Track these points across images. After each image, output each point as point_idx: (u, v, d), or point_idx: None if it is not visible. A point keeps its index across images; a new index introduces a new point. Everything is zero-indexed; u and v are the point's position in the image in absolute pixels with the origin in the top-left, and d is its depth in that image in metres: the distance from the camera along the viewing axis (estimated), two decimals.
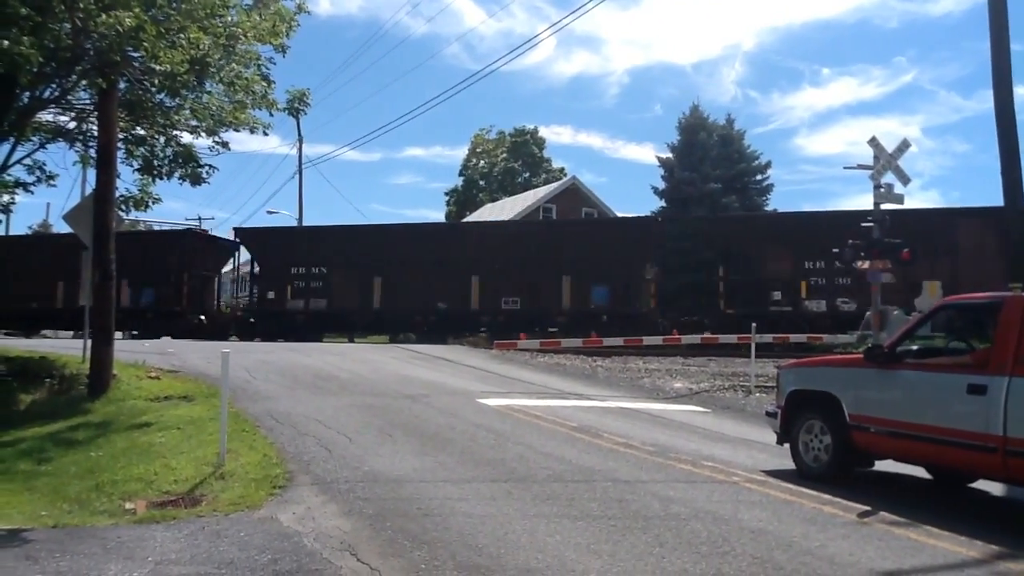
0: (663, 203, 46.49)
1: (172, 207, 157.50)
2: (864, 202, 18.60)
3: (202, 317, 30.69)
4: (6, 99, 13.32)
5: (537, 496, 6.79)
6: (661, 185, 47.89)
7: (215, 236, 34.82)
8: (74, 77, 13.66)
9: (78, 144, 16.14)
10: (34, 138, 15.51)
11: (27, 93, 13.86)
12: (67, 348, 18.59)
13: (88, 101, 14.88)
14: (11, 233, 41.07)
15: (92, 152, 15.57)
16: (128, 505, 7.29)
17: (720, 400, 14.54)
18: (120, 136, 14.46)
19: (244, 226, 37.03)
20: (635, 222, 32.40)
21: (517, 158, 60.77)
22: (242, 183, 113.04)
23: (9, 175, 15.70)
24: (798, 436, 8.01)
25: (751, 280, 26.08)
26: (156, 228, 48.20)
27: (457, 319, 27.59)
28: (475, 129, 77.89)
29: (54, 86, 14.09)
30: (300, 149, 44.93)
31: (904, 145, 16.29)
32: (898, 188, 16.05)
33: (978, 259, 22.64)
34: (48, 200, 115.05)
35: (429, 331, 27.48)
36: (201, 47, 12.63)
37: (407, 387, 13.78)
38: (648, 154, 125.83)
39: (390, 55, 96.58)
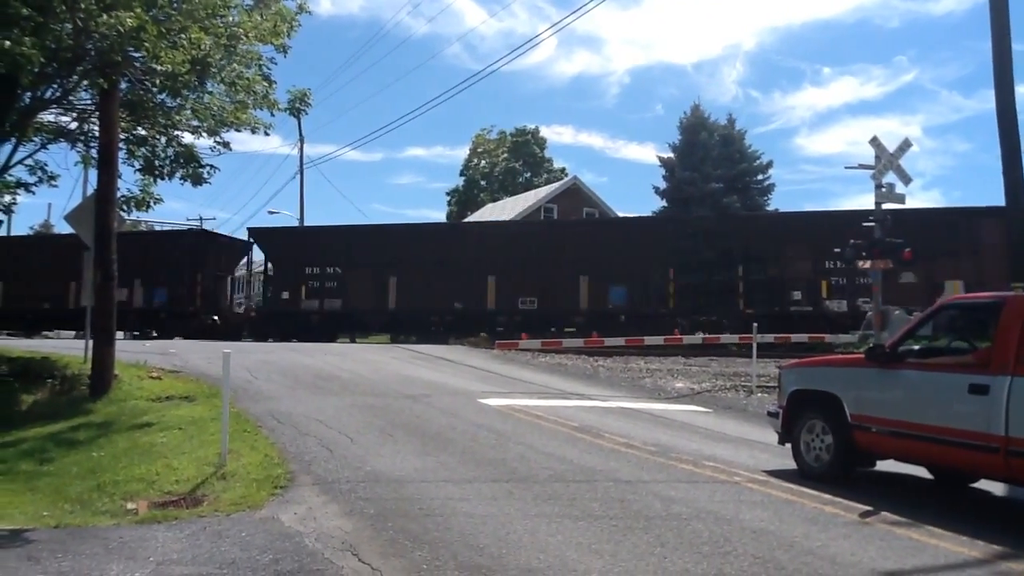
0: (664, 203, 46.51)
1: (173, 207, 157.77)
2: (865, 202, 18.65)
3: (215, 318, 30.49)
4: (8, 100, 13.33)
5: (538, 496, 6.79)
6: (662, 185, 47.89)
7: (228, 236, 34.64)
8: (75, 77, 13.66)
9: (79, 144, 16.17)
10: (35, 138, 15.53)
11: (28, 93, 13.88)
12: (68, 348, 18.60)
13: (89, 101, 14.89)
14: (13, 234, 41.13)
15: (93, 152, 15.58)
16: (130, 505, 7.30)
17: (722, 400, 14.54)
18: (121, 136, 14.47)
19: (258, 226, 36.83)
20: (653, 221, 32.12)
21: (518, 158, 60.79)
22: (243, 183, 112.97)
23: (11, 175, 15.74)
24: (800, 436, 8.01)
25: (771, 280, 25.84)
26: (157, 228, 48.26)
27: (473, 319, 27.16)
28: (476, 129, 77.92)
29: (55, 86, 14.10)
30: (301, 149, 44.97)
31: (905, 145, 16.27)
32: (899, 188, 16.04)
33: (1002, 258, 22.41)
34: (49, 200, 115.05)
35: (445, 331, 27.09)
36: (202, 47, 12.65)
37: (408, 387, 13.78)
38: (649, 154, 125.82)
39: (391, 55, 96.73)
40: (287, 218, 44.15)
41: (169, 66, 12.15)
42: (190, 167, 15.11)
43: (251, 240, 33.01)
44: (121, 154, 14.67)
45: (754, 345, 16.94)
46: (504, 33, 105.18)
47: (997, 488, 7.59)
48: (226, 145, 15.43)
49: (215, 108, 14.56)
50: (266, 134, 15.72)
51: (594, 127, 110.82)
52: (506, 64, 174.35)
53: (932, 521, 6.16)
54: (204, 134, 15.01)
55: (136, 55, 12.68)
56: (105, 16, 11.27)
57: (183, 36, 12.47)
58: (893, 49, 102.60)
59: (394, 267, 28.42)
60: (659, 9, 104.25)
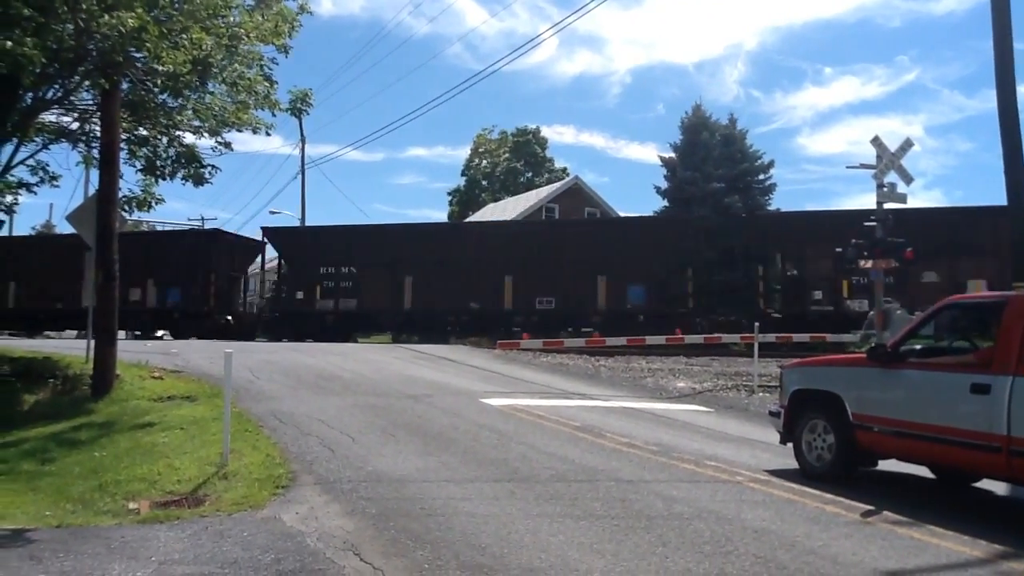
0: (665, 203, 46.45)
1: (175, 207, 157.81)
2: (867, 202, 18.60)
3: (229, 317, 30.38)
4: (9, 100, 13.35)
5: (540, 496, 6.79)
6: (664, 185, 47.86)
7: (241, 236, 34.49)
8: (77, 78, 13.69)
9: (81, 145, 16.20)
10: (37, 139, 15.57)
11: (30, 94, 13.90)
12: (70, 348, 18.62)
13: (91, 102, 14.91)
14: (15, 234, 41.12)
15: (95, 153, 15.61)
16: (132, 505, 7.31)
17: (723, 400, 14.53)
18: (123, 137, 14.48)
19: (272, 225, 36.55)
20: (672, 221, 31.72)
21: (519, 158, 60.77)
22: (245, 183, 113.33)
23: (12, 176, 15.78)
24: (801, 436, 8.00)
25: (791, 279, 25.59)
26: (159, 228, 48.27)
27: (490, 319, 26.97)
28: (477, 129, 78.04)
29: (57, 87, 14.12)
30: (303, 149, 44.96)
31: (907, 144, 16.27)
32: (901, 187, 16.04)
33: None
34: (51, 201, 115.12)
35: (462, 331, 26.86)
36: (204, 47, 12.66)
37: (410, 387, 13.79)
38: (650, 154, 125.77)
39: (392, 55, 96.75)
40: (288, 218, 44.16)
41: (170, 66, 12.17)
42: (191, 167, 15.12)
43: (264, 240, 32.94)
44: (123, 154, 14.70)
45: (755, 345, 16.93)
46: (505, 33, 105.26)
47: (999, 488, 7.59)
48: (227, 145, 15.46)
49: (216, 108, 14.58)
50: (267, 134, 15.75)
51: (595, 127, 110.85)
52: (507, 64, 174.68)
53: (934, 521, 6.15)
54: (205, 134, 15.04)
55: (137, 55, 12.70)
56: (106, 16, 11.28)
57: (184, 36, 12.48)
58: (895, 49, 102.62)
59: (410, 267, 28.20)
60: (661, 9, 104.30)
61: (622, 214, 42.93)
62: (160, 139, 15.12)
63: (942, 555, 5.41)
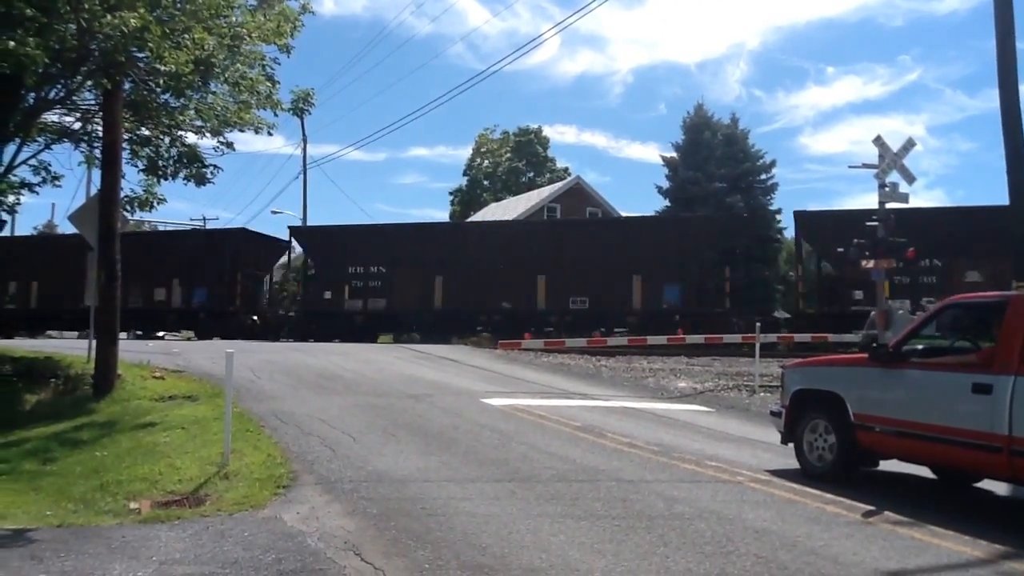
0: (667, 203, 46.46)
1: (176, 207, 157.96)
2: (869, 201, 18.54)
3: (255, 317, 30.21)
4: (12, 100, 13.38)
5: (541, 496, 6.79)
6: (665, 184, 47.84)
7: (266, 235, 34.41)
8: (79, 78, 13.70)
9: (83, 145, 16.21)
10: (39, 139, 15.59)
11: (32, 94, 13.93)
12: (72, 348, 18.64)
13: (93, 102, 14.93)
14: (17, 233, 41.18)
15: (97, 153, 15.63)
16: (133, 505, 7.32)
17: (724, 400, 14.53)
18: (125, 136, 14.50)
19: (299, 224, 36.42)
20: (707, 219, 31.45)
21: (521, 158, 60.78)
22: (246, 183, 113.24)
23: (15, 176, 15.79)
24: (802, 436, 7.99)
25: (831, 278, 25.26)
26: (160, 228, 48.32)
27: (523, 319, 26.51)
28: (479, 129, 77.80)
29: (59, 87, 14.14)
30: (304, 149, 44.98)
31: (909, 144, 16.27)
32: (903, 187, 16.04)
33: None
34: (53, 201, 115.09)
35: (493, 331, 26.13)
36: (206, 47, 12.67)
37: (411, 387, 13.79)
38: (652, 153, 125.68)
39: (394, 55, 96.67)
40: (290, 218, 44.18)
41: (173, 66, 12.17)
42: (193, 167, 15.14)
43: (290, 239, 32.75)
44: (125, 154, 14.71)
45: (756, 344, 16.93)
46: (507, 33, 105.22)
47: (1000, 488, 7.58)
48: (229, 145, 15.47)
49: (218, 108, 14.59)
50: (269, 134, 15.76)
51: (597, 127, 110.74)
52: (509, 64, 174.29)
53: (935, 521, 6.15)
54: (207, 134, 15.05)
55: (140, 55, 12.71)
56: (109, 16, 11.30)
57: (187, 36, 12.50)
58: (897, 48, 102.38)
59: (441, 266, 27.90)
60: (663, 8, 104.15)
61: (624, 214, 42.91)
62: (162, 139, 15.14)
63: (943, 555, 5.40)
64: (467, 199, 60.57)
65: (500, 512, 6.25)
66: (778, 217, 44.59)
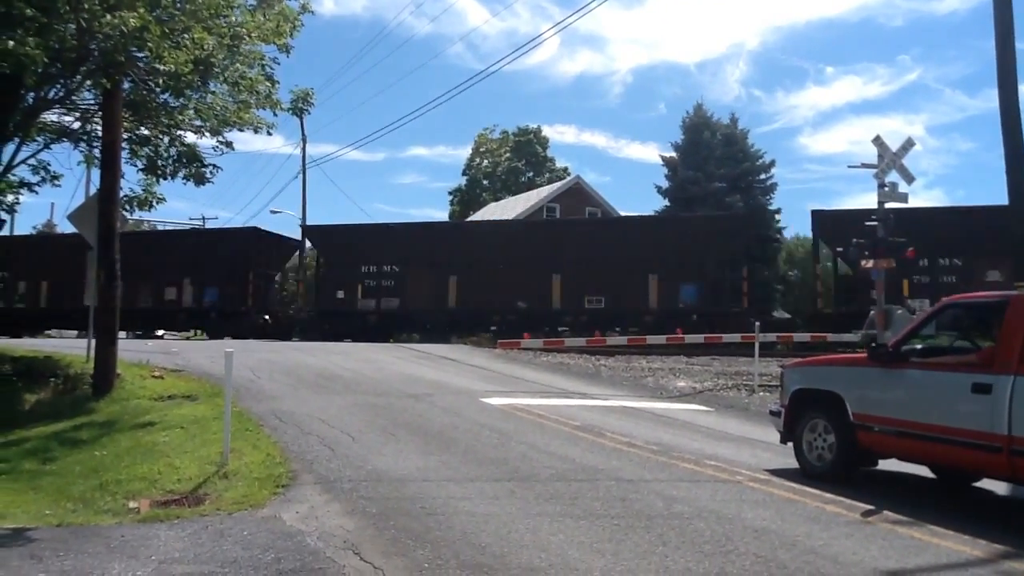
0: (667, 203, 46.47)
1: (176, 207, 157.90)
2: (868, 201, 18.48)
3: (266, 317, 30.06)
4: (11, 100, 13.37)
5: (540, 495, 6.79)
6: (665, 184, 47.87)
7: (278, 234, 34.29)
8: (79, 78, 13.69)
9: (82, 144, 16.20)
10: (39, 138, 15.57)
11: (32, 94, 13.92)
12: (71, 348, 18.64)
13: (92, 101, 14.92)
14: (16, 233, 41.12)
15: (96, 152, 15.62)
16: (132, 504, 7.31)
17: (723, 399, 14.53)
18: (124, 136, 14.49)
19: (314, 223, 36.17)
20: (725, 219, 31.34)
21: (521, 158, 60.81)
22: (246, 183, 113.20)
23: (14, 175, 15.77)
24: (802, 435, 8.00)
25: (849, 278, 25.11)
26: (159, 228, 48.29)
27: (538, 318, 26.43)
28: (479, 129, 77.95)
29: (59, 87, 14.13)
30: (304, 149, 44.93)
31: (908, 144, 16.26)
32: (902, 187, 16.03)
33: None
34: (52, 200, 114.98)
35: (508, 331, 25.78)
36: (205, 47, 12.66)
37: (411, 386, 13.79)
38: (652, 153, 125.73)
39: (394, 55, 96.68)
40: (290, 218, 44.24)
41: (172, 66, 12.16)
42: (193, 167, 15.12)
43: (303, 238, 32.57)
44: (124, 154, 14.69)
45: (756, 344, 16.93)
46: (507, 32, 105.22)
47: (1000, 487, 7.58)
48: (229, 145, 15.45)
49: (218, 108, 14.57)
50: (269, 134, 15.74)
51: (597, 127, 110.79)
52: (509, 64, 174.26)
53: (934, 520, 6.15)
54: (207, 134, 15.03)
55: (139, 55, 12.70)
56: (108, 16, 11.29)
57: (186, 36, 12.49)
58: (897, 48, 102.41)
59: (455, 266, 27.77)
60: (662, 8, 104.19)
61: (623, 214, 42.90)
62: (161, 138, 15.13)
63: (942, 555, 5.40)
64: (466, 199, 60.59)
65: (499, 511, 6.25)
66: (777, 217, 44.70)
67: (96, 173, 16.88)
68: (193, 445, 9.40)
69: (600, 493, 6.85)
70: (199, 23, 12.63)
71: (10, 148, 14.48)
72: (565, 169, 60.14)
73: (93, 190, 20.78)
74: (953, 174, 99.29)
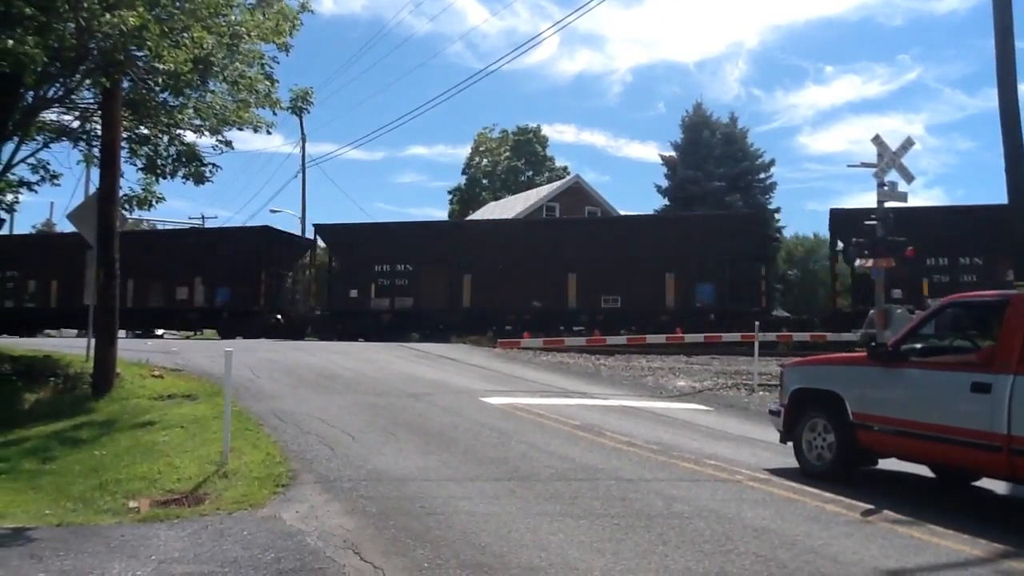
0: (666, 202, 46.49)
1: (175, 206, 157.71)
2: (868, 200, 18.44)
3: (279, 316, 29.94)
4: (11, 99, 13.35)
5: (540, 494, 6.79)
6: (664, 183, 47.88)
7: (290, 233, 34.03)
8: (78, 76, 13.68)
9: (82, 143, 16.18)
10: (38, 137, 15.55)
11: (31, 93, 13.89)
12: (70, 347, 18.63)
13: (92, 100, 14.91)
14: (16, 232, 41.09)
15: (96, 151, 15.60)
16: (132, 504, 7.31)
17: (723, 398, 14.54)
18: (124, 135, 14.47)
19: (325, 222, 36.06)
20: (740, 218, 31.18)
21: (520, 157, 60.81)
22: (245, 182, 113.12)
23: (13, 174, 15.75)
24: (801, 434, 8.00)
25: (868, 277, 25.14)
26: (159, 227, 48.24)
27: (553, 318, 26.32)
28: (478, 128, 78.11)
29: (58, 85, 14.12)
30: (303, 148, 44.95)
31: (908, 143, 16.25)
32: (902, 186, 16.03)
33: None
34: (52, 199, 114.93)
35: (523, 330, 25.54)
36: (205, 46, 12.65)
37: (411, 386, 13.79)
38: (651, 153, 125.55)
39: (393, 54, 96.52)
40: (289, 217, 44.14)
41: (171, 65, 12.15)
42: (192, 166, 15.11)
43: (315, 237, 32.51)
44: (123, 153, 14.68)
45: (756, 344, 16.94)
46: (506, 32, 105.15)
47: (999, 487, 7.59)
48: (228, 144, 15.44)
49: (217, 107, 14.56)
50: (268, 133, 15.74)
51: (596, 126, 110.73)
52: (508, 63, 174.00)
53: (934, 520, 6.15)
54: (206, 133, 15.01)
55: (139, 54, 12.69)
56: (108, 15, 11.28)
57: (185, 35, 12.48)
58: (896, 47, 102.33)
59: (469, 265, 27.62)
60: (662, 7, 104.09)
61: (623, 213, 42.88)
62: (161, 138, 15.11)
63: (942, 554, 5.41)
64: (466, 198, 60.59)
65: (499, 511, 6.25)
66: (777, 216, 44.71)
67: (95, 172, 16.87)
68: (193, 444, 9.40)
69: (600, 492, 6.86)
70: (198, 22, 12.62)
71: (9, 147, 14.49)
72: (565, 168, 60.14)
73: (92, 189, 20.82)
74: (953, 173, 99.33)
